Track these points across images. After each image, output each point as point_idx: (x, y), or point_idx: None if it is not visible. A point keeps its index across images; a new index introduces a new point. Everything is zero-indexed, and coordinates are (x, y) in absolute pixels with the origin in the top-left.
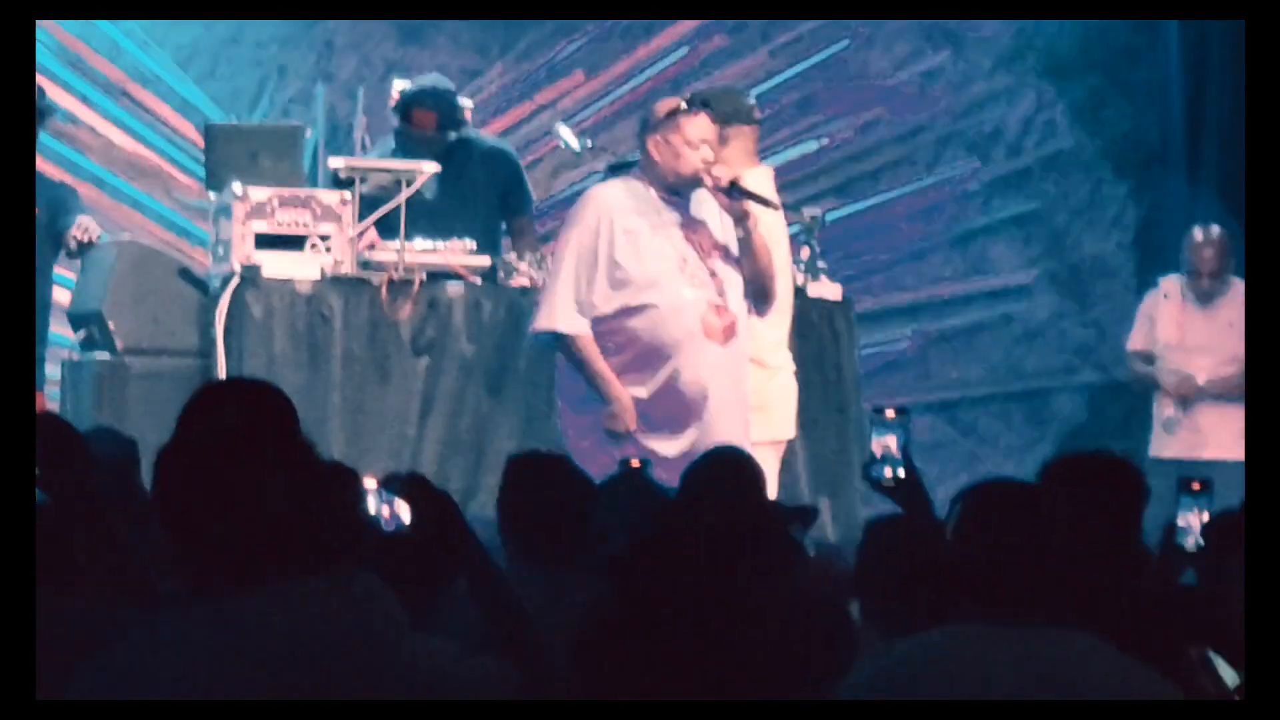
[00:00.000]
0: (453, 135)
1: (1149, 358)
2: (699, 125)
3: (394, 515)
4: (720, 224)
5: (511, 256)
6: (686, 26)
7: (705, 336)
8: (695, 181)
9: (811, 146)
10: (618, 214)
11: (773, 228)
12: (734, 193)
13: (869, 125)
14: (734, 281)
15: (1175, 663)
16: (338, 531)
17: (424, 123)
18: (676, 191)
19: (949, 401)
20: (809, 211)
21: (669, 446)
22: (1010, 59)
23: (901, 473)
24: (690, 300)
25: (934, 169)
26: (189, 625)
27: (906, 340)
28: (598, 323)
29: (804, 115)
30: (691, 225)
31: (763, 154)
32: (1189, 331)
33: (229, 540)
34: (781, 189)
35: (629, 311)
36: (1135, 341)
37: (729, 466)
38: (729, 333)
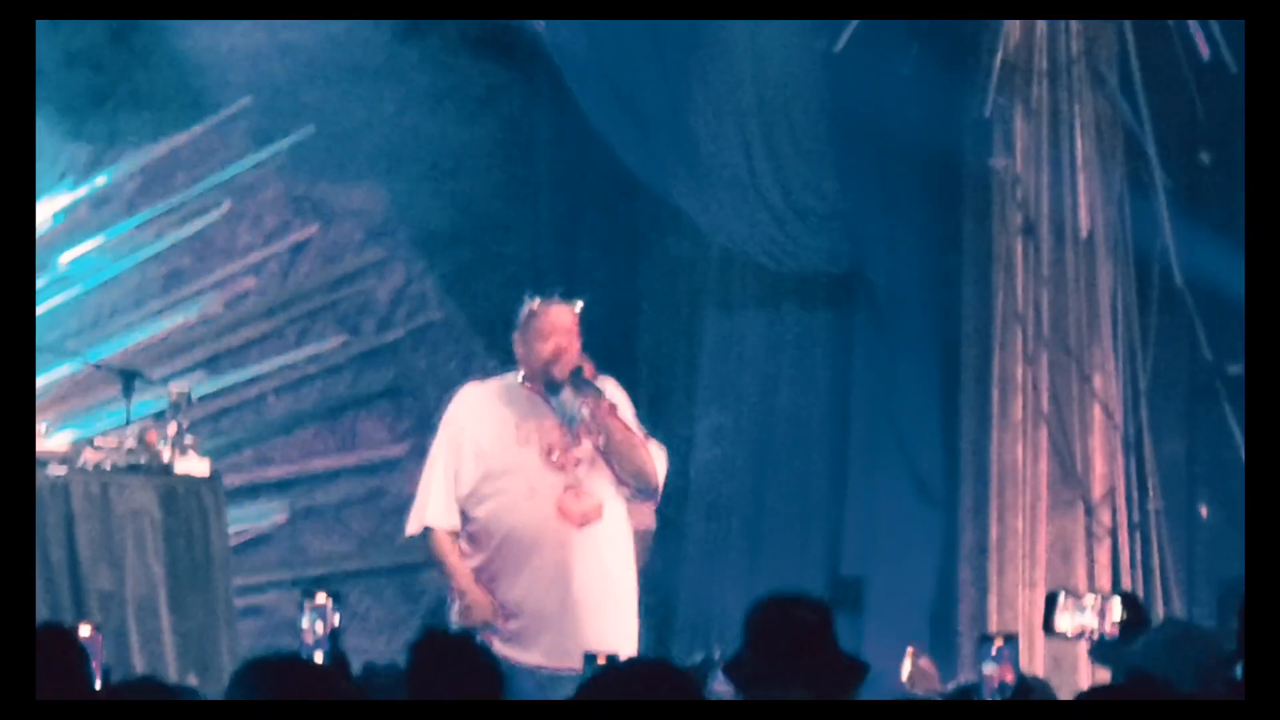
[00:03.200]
0: None
1: None
2: (550, 316)
3: None
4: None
5: None
6: (60, 203)
7: (560, 519)
8: (548, 373)
9: (179, 320)
10: (483, 408)
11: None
12: (575, 382)
13: (237, 299)
14: (604, 469)
15: None
16: None
17: None
18: (546, 384)
19: (321, 576)
20: (175, 387)
21: (525, 655)
22: (380, 232)
23: None
24: (548, 484)
25: (303, 343)
26: None
27: (277, 515)
28: (466, 518)
29: (173, 289)
30: (563, 417)
31: (127, 329)
32: None
33: None
34: (149, 363)
35: (485, 498)
36: None
37: None
38: (587, 517)
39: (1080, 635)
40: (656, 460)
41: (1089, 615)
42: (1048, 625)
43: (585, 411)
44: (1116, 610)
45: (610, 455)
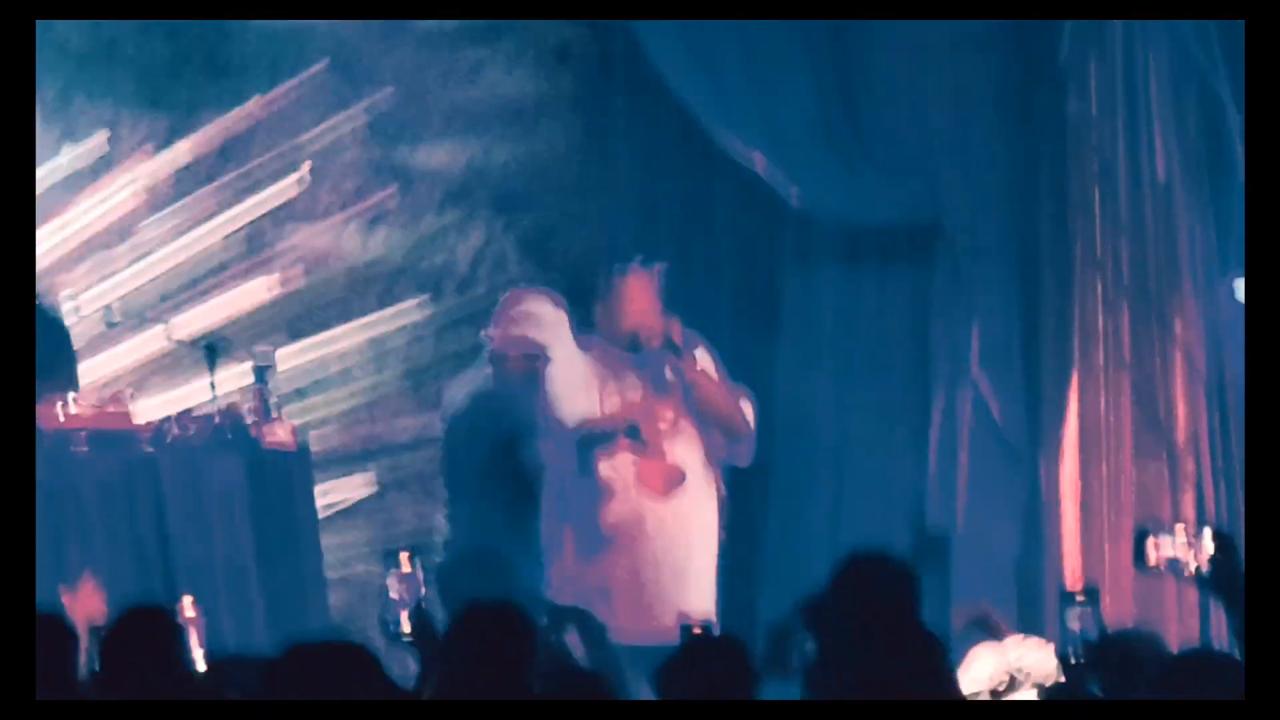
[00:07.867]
0: None
1: None
2: (633, 285)
3: None
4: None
5: None
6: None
7: (642, 487)
8: (633, 338)
9: (260, 286)
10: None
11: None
12: (668, 347)
13: (318, 264)
14: (692, 434)
15: None
16: None
17: None
18: (631, 349)
19: (417, 546)
20: (259, 355)
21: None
22: (459, 193)
23: None
24: (630, 455)
25: (384, 306)
26: None
27: (366, 487)
28: None
29: (253, 255)
30: (649, 381)
31: (207, 296)
32: None
33: None
34: (231, 330)
35: None
36: None
37: None
38: (670, 484)
39: (1171, 567)
40: (746, 411)
41: (1181, 548)
42: (1138, 561)
43: (672, 373)
44: (1209, 544)
45: (704, 412)
